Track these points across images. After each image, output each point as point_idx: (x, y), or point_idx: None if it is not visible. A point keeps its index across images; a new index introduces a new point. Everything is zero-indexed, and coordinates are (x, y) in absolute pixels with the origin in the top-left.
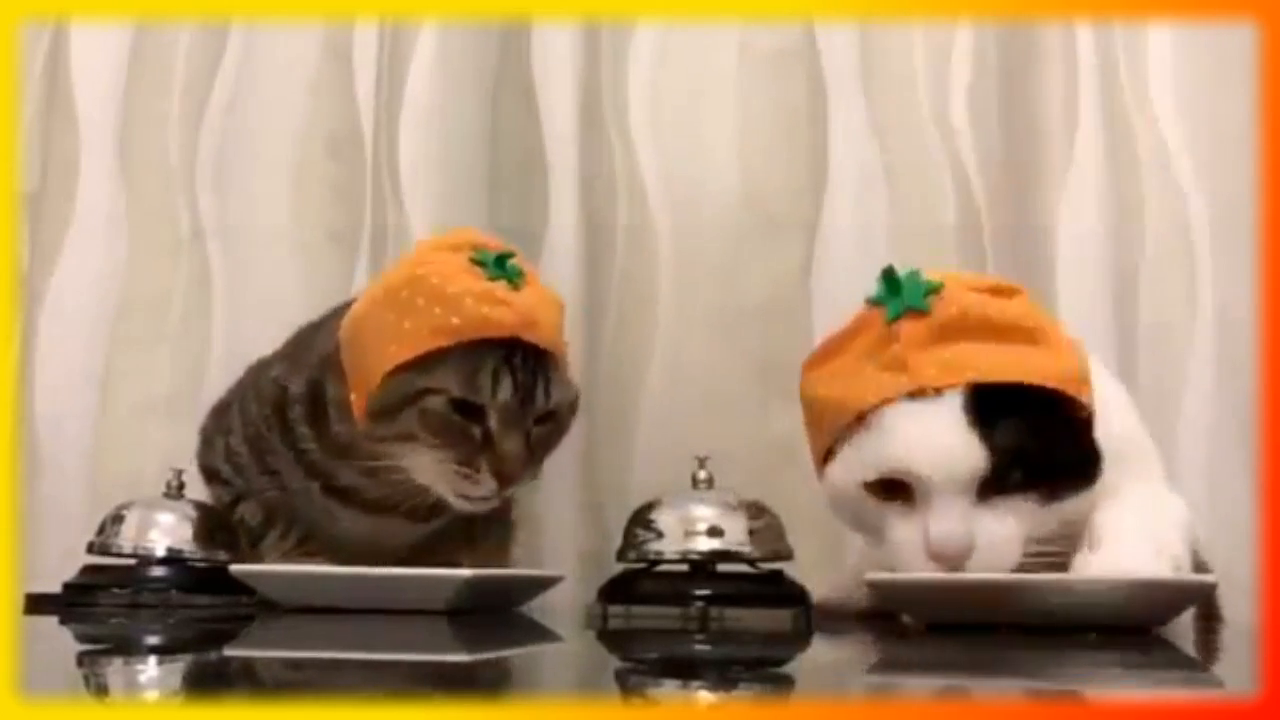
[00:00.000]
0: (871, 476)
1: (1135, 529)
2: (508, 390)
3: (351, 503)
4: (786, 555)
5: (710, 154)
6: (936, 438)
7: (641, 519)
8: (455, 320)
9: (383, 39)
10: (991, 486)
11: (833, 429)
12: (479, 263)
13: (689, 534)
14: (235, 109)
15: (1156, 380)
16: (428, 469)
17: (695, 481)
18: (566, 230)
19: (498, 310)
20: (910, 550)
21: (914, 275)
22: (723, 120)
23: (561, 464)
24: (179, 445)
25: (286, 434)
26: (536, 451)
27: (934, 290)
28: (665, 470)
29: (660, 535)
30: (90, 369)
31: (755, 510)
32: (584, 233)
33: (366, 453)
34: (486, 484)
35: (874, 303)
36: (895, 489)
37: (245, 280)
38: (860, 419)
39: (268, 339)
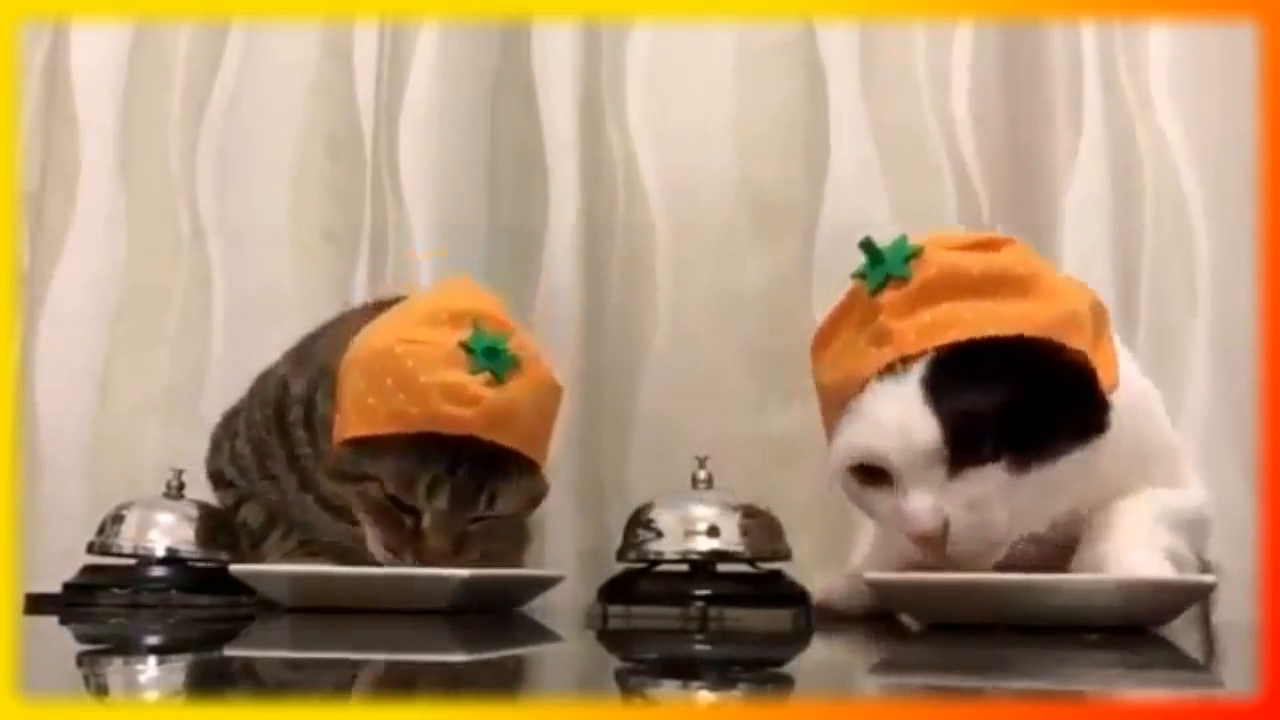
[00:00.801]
0: (850, 463)
1: (1140, 528)
2: (444, 500)
3: (344, 517)
4: (786, 555)
5: (710, 150)
6: (895, 419)
7: (641, 519)
8: (413, 410)
9: (383, 39)
10: (958, 459)
11: (832, 417)
12: (469, 349)
13: (689, 534)
14: (235, 109)
15: (1156, 379)
16: (368, 533)
17: (695, 481)
18: (566, 229)
19: (462, 409)
20: (894, 531)
21: (898, 242)
22: (722, 116)
23: (561, 464)
24: (179, 445)
25: (284, 438)
26: (472, 541)
27: (915, 255)
28: (665, 470)
29: (660, 535)
30: (90, 369)
31: (754, 510)
32: (584, 232)
33: (332, 489)
34: (409, 565)
35: (858, 276)
36: (876, 473)
37: (245, 280)
38: (845, 405)
39: (268, 339)
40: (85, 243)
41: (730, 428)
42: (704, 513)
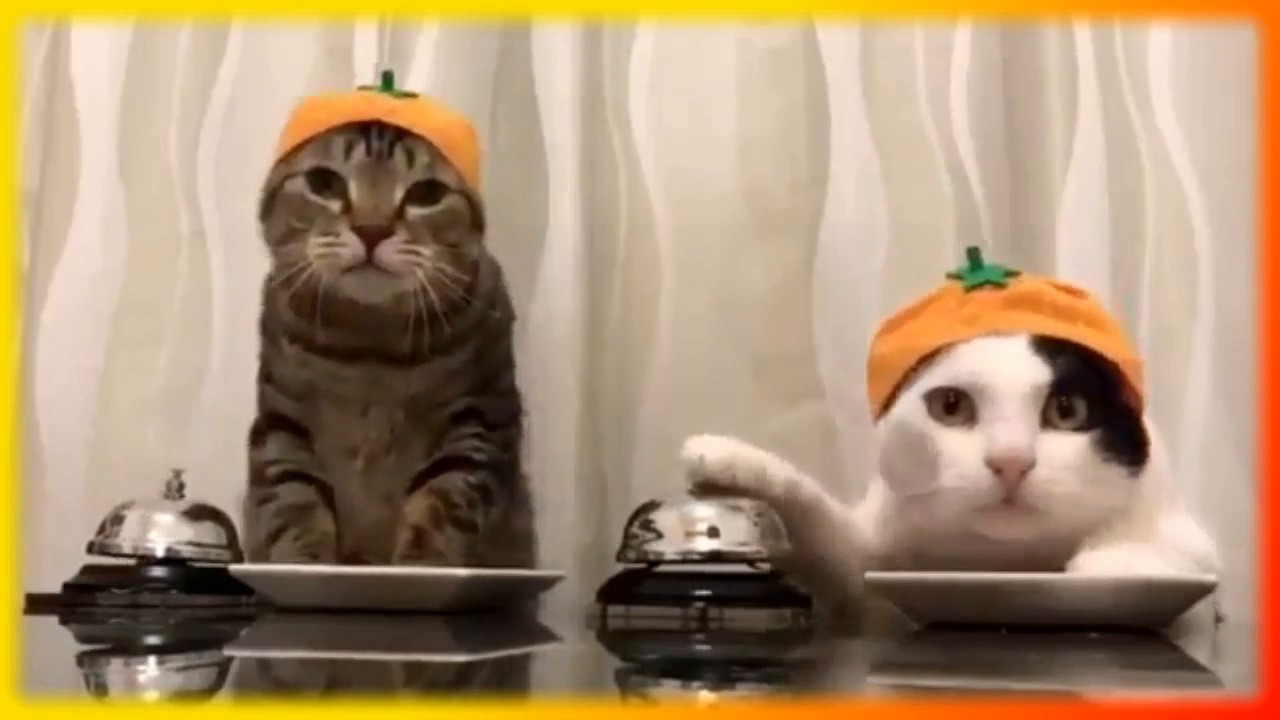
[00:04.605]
0: (939, 383)
1: (1148, 540)
2: (361, 154)
3: (331, 354)
4: (786, 555)
5: (710, 152)
6: (1007, 356)
7: (641, 519)
8: (322, 114)
9: (383, 39)
10: (1056, 410)
11: (901, 369)
12: (366, 88)
13: (689, 534)
14: (235, 109)
15: (1157, 381)
16: (308, 254)
17: None
18: (566, 230)
19: (363, 104)
20: (966, 464)
21: (996, 264)
22: (723, 119)
23: (562, 462)
24: (179, 445)
25: (267, 314)
26: (416, 232)
27: (1012, 274)
28: (666, 470)
29: (660, 535)
30: (90, 368)
31: (754, 510)
32: (584, 233)
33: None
34: (352, 246)
35: (954, 276)
36: (957, 410)
37: (245, 280)
38: (930, 357)
39: None
40: (85, 243)
41: (731, 429)
42: (704, 513)
